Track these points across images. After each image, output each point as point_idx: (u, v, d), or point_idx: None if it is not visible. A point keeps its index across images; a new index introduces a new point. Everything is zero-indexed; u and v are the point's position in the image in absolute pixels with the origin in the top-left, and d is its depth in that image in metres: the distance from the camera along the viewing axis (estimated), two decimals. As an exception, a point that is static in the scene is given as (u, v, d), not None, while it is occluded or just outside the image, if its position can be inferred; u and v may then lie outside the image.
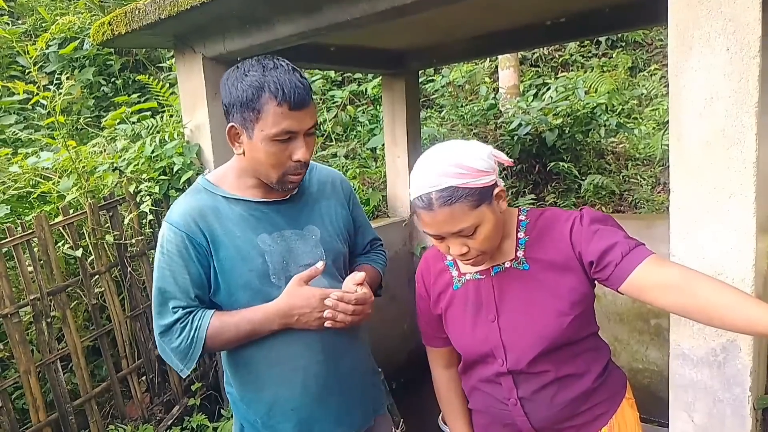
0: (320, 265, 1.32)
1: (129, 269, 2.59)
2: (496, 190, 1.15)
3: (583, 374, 1.25)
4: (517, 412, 1.26)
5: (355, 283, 1.33)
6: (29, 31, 5.76)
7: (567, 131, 4.63)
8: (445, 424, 2.63)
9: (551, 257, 1.20)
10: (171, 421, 2.61)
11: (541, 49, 6.57)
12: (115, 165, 2.72)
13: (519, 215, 1.27)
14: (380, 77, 3.88)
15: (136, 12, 2.30)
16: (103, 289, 2.54)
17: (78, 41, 5.06)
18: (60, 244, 2.53)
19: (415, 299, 1.43)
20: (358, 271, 1.47)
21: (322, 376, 1.36)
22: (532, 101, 5.33)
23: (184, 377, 1.34)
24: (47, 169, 2.81)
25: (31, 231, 2.28)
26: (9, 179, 2.84)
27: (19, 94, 3.02)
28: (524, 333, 1.21)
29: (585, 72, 6.08)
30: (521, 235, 1.25)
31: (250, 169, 1.31)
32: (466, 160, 1.11)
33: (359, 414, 1.46)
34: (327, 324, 1.29)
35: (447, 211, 1.09)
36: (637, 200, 4.42)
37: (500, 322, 1.23)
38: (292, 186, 1.34)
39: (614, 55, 6.54)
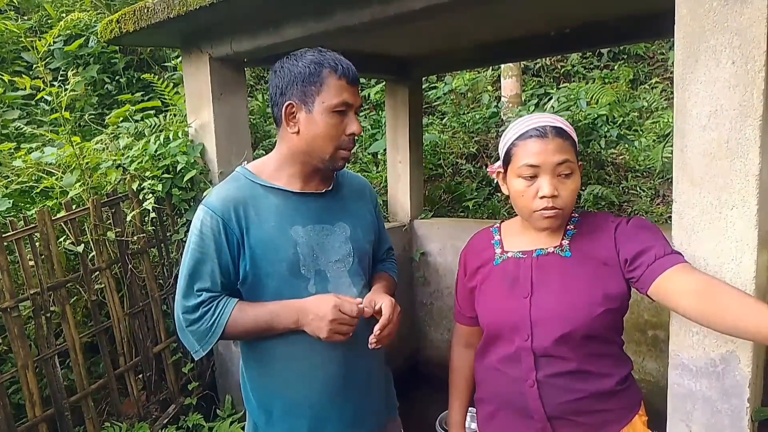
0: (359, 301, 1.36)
1: (129, 266, 2.59)
2: (580, 163, 1.29)
3: (605, 375, 1.27)
4: (532, 395, 1.27)
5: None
6: (34, 27, 5.76)
7: (568, 141, 4.64)
8: (442, 428, 2.63)
9: (594, 251, 1.26)
10: (167, 419, 2.61)
11: (544, 59, 6.61)
12: (118, 162, 2.73)
13: (572, 213, 1.34)
14: (383, 83, 3.90)
15: (145, 10, 2.31)
16: (103, 285, 2.53)
17: (83, 38, 5.06)
18: (62, 239, 2.53)
19: (456, 279, 1.52)
20: (378, 279, 1.55)
21: (340, 376, 1.38)
22: (533, 110, 5.36)
23: (196, 359, 1.37)
24: (50, 164, 2.81)
25: (33, 225, 2.28)
26: (12, 173, 2.84)
27: (23, 89, 3.03)
28: (554, 313, 1.24)
29: (586, 83, 6.11)
30: (570, 227, 1.32)
31: (301, 150, 1.35)
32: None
33: (372, 417, 1.47)
34: (335, 337, 1.30)
35: (559, 142, 1.21)
36: (636, 211, 4.44)
37: (532, 300, 1.27)
38: (342, 163, 1.38)
39: (616, 67, 6.58)
